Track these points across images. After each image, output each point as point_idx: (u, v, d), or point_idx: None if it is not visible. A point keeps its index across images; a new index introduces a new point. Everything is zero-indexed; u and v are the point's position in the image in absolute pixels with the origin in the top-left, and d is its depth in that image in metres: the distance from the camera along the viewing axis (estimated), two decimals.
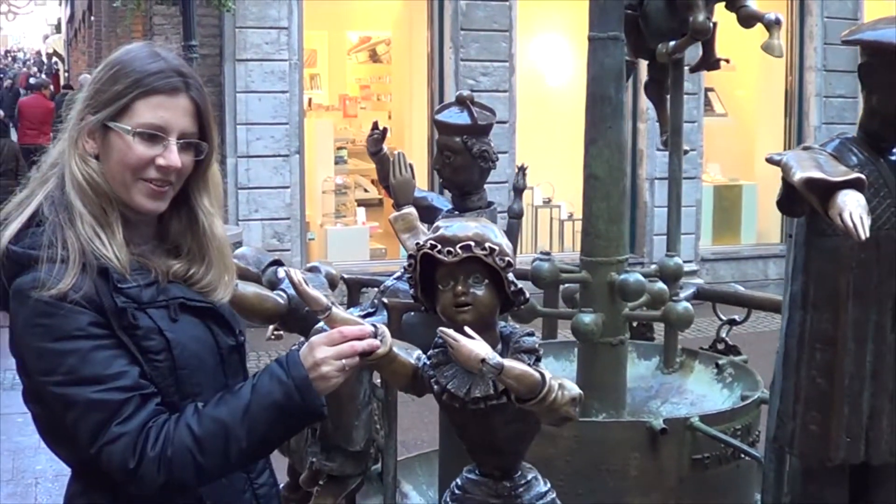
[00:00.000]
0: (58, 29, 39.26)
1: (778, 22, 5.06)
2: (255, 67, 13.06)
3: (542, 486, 3.09)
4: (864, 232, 3.07)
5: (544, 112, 14.65)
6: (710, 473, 4.61)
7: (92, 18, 23.06)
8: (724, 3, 5.34)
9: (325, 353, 2.56)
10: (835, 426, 3.67)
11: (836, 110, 15.34)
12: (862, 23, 12.85)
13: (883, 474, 3.85)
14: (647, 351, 5.65)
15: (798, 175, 3.21)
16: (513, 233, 4.70)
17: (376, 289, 4.76)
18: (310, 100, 16.55)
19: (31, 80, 29.02)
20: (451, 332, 2.66)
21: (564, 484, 4.46)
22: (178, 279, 2.68)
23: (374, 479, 4.91)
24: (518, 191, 4.75)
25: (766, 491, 4.08)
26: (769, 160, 3.46)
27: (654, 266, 5.49)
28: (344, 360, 2.57)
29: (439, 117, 4.71)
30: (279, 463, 4.98)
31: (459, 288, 2.82)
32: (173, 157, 2.61)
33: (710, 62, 5.68)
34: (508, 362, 2.64)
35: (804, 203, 3.38)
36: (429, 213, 4.72)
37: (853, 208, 3.08)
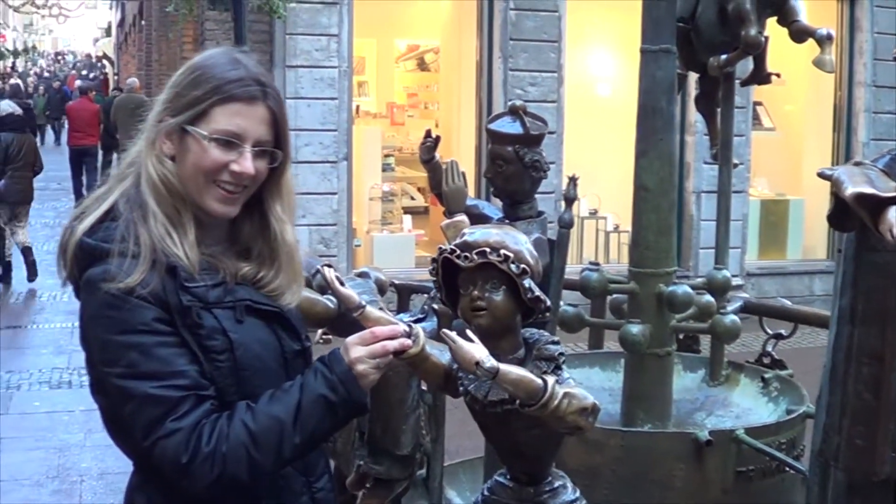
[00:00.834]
0: (108, 32, 39.60)
1: (830, 37, 5.08)
2: (305, 74, 13.11)
3: (571, 494, 3.10)
4: None
5: (592, 123, 14.64)
6: (755, 486, 4.65)
7: (143, 23, 23.29)
8: (775, 18, 5.35)
9: (358, 352, 2.61)
10: (881, 441, 3.67)
11: (885, 126, 15.25)
12: None
13: None
14: (693, 363, 5.67)
15: (850, 190, 3.23)
16: (563, 243, 4.72)
17: (426, 295, 4.80)
18: (357, 107, 16.62)
19: (78, 83, 29.37)
20: (450, 333, 2.68)
21: (609, 493, 4.52)
22: (247, 281, 2.72)
23: (418, 483, 4.94)
24: (569, 201, 4.78)
25: None
26: (821, 175, 3.47)
27: (701, 279, 5.51)
28: (378, 360, 2.62)
29: (492, 126, 4.75)
30: None
31: (476, 293, 2.86)
32: (247, 163, 2.66)
33: (761, 76, 5.71)
34: (505, 367, 2.66)
35: (855, 218, 3.39)
36: (479, 222, 4.73)
37: None
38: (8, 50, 46.19)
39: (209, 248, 2.68)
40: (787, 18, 5.24)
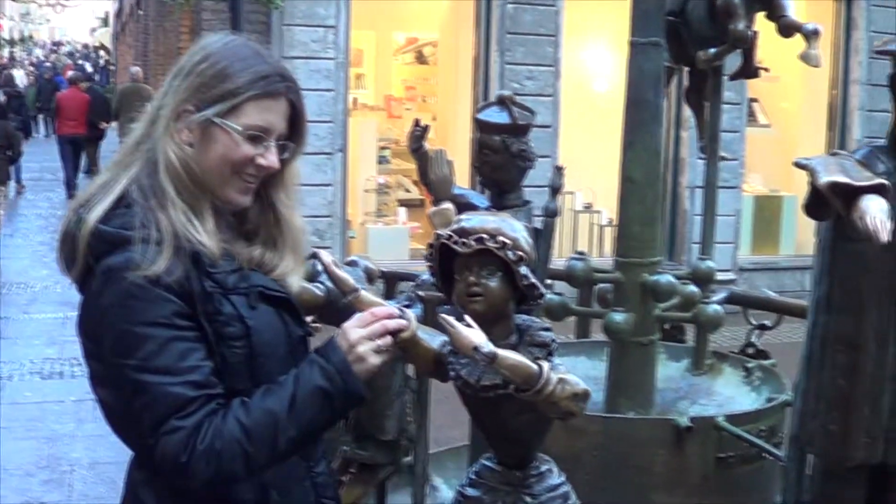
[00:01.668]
0: (105, 22, 39.66)
1: (816, 32, 5.12)
2: (302, 65, 13.12)
3: (556, 478, 3.13)
4: (884, 235, 3.15)
5: (588, 117, 14.70)
6: (735, 472, 4.70)
7: (140, 13, 23.34)
8: (764, 13, 5.41)
9: (357, 334, 2.62)
10: (855, 427, 3.74)
11: (879, 124, 15.27)
12: None
13: None
14: (678, 353, 5.73)
15: (824, 179, 3.30)
16: (548, 231, 4.78)
17: (412, 283, 4.86)
18: (355, 99, 16.67)
19: (70, 74, 29.46)
20: (449, 318, 2.71)
21: (591, 478, 4.56)
22: (255, 265, 2.76)
23: (405, 470, 5.00)
24: (554, 190, 4.84)
25: (787, 490, 4.14)
26: (797, 164, 3.54)
27: (686, 269, 5.57)
28: (378, 341, 2.64)
29: (480, 116, 4.81)
30: None
31: (472, 279, 2.88)
32: (273, 158, 2.71)
33: (749, 71, 5.75)
34: (503, 352, 2.69)
35: (830, 208, 3.46)
36: (466, 210, 4.82)
37: (875, 212, 3.17)
38: (4, 39, 46.17)
39: (223, 235, 2.70)
40: (776, 13, 5.29)
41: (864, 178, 3.31)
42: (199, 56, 2.73)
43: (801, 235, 15.89)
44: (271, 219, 2.84)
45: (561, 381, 2.72)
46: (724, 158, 5.91)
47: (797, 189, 15.57)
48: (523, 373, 2.70)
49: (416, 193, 16.21)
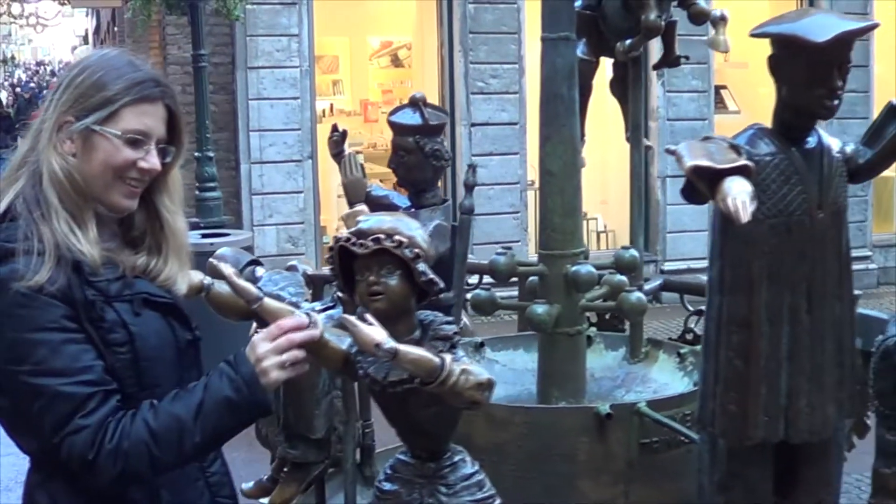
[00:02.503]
0: (85, 40, 39.66)
1: (723, 18, 5.21)
2: (267, 75, 13.20)
3: (470, 467, 3.22)
4: (745, 216, 3.22)
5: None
6: (660, 457, 4.75)
7: (115, 29, 23.35)
8: (676, 2, 5.49)
9: (264, 348, 2.69)
10: (752, 406, 3.82)
11: (847, 105, 14.95)
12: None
13: (810, 453, 4.00)
14: (615, 342, 5.81)
15: (688, 163, 3.37)
16: (464, 228, 4.87)
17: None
18: (331, 105, 16.73)
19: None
20: (350, 318, 2.80)
21: (516, 468, 4.65)
22: (139, 272, 2.84)
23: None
24: (468, 187, 4.93)
25: (702, 471, 4.21)
26: (667, 150, 3.61)
27: (609, 259, 5.64)
28: (284, 356, 2.70)
29: (392, 118, 4.92)
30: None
31: (372, 278, 2.99)
32: (154, 160, 2.80)
33: (670, 60, 5.85)
34: (404, 347, 2.78)
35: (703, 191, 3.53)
36: (391, 211, 4.91)
37: (736, 193, 3.24)
38: None
39: (106, 243, 2.78)
40: (687, 1, 5.38)
41: (728, 161, 3.38)
42: (77, 69, 2.84)
43: None
44: (157, 225, 2.92)
45: (464, 371, 2.83)
46: (647, 148, 5.96)
47: None
48: (426, 366, 2.80)
49: None
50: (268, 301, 2.93)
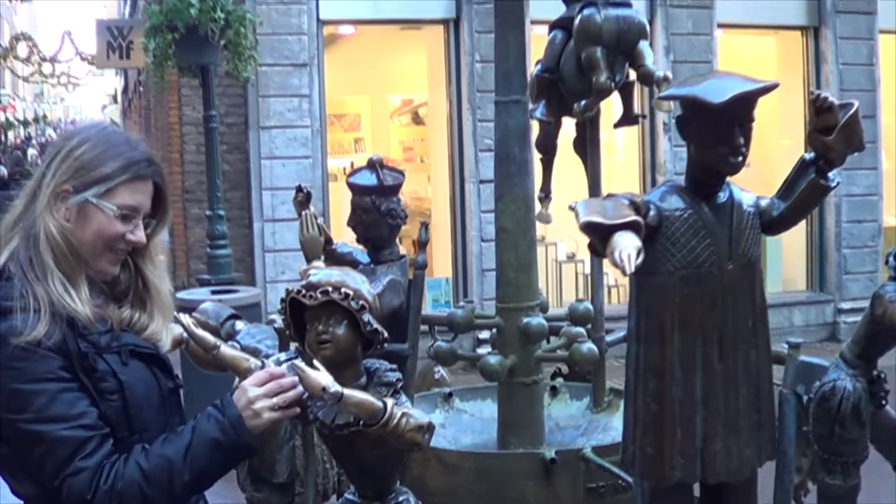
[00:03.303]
0: (115, 99, 40.29)
1: (666, 79, 5.41)
2: (279, 134, 13.41)
3: None
4: (629, 268, 3.44)
5: (562, 166, 14.88)
6: (606, 502, 4.93)
7: (141, 89, 23.85)
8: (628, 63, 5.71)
9: (255, 392, 2.93)
10: (668, 448, 4.01)
11: (854, 156, 15.36)
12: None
13: (734, 490, 4.20)
14: (579, 392, 6.02)
15: (581, 219, 3.61)
16: (418, 283, 5.11)
17: None
18: (352, 163, 16.94)
19: None
20: (299, 364, 3.05)
21: None
22: (125, 326, 3.07)
23: None
24: (421, 244, 5.17)
25: None
26: (569, 207, 3.83)
27: (563, 311, 5.86)
28: (274, 399, 2.93)
29: (350, 179, 5.18)
30: None
31: (321, 327, 3.25)
32: (141, 234, 3.06)
33: (630, 118, 6.07)
34: (349, 391, 3.02)
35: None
36: (352, 267, 5.16)
37: (622, 248, 3.46)
38: (18, 120, 46.88)
39: (95, 300, 3.01)
40: (636, 62, 5.59)
41: (620, 217, 3.61)
42: (76, 140, 3.07)
43: (788, 272, 16.02)
44: (140, 283, 3.16)
45: (404, 415, 3.08)
46: None
47: None
48: (369, 409, 3.05)
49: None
50: (224, 349, 3.26)
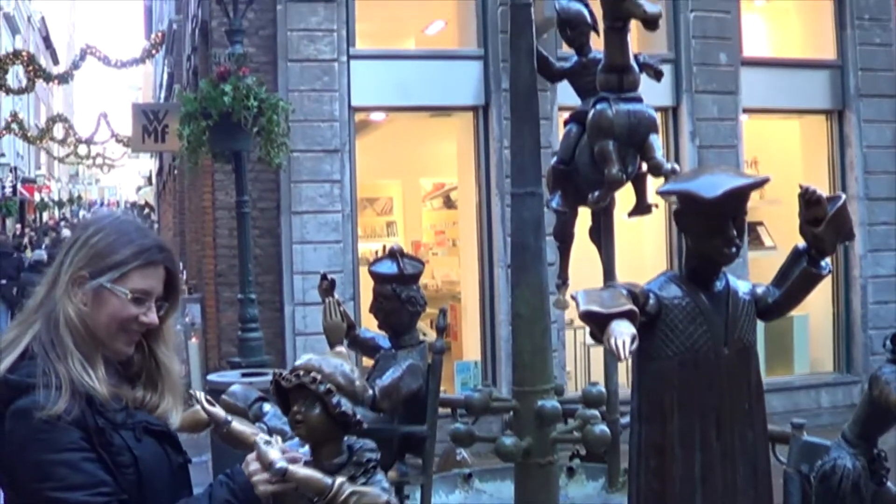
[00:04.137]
0: (150, 181, 40.91)
1: (674, 171, 5.64)
2: (310, 219, 13.67)
3: None
4: (624, 354, 3.66)
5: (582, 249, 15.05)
6: None
7: (175, 172, 24.30)
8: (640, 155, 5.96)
9: (254, 466, 3.18)
10: None
11: (880, 237, 15.55)
12: None
13: None
14: (595, 472, 6.20)
15: (581, 308, 3.84)
16: (436, 367, 5.34)
17: None
18: (384, 247, 17.13)
19: None
20: (259, 439, 3.28)
21: None
22: (138, 405, 3.33)
23: None
24: (440, 330, 5.40)
25: None
26: (572, 297, 4.07)
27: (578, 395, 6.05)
28: (265, 474, 3.16)
29: (372, 268, 5.43)
30: None
31: (295, 408, 3.43)
32: (153, 316, 3.33)
33: (643, 208, 6.31)
34: (294, 467, 3.20)
35: None
36: (375, 352, 5.42)
37: (618, 335, 3.69)
38: (53, 201, 47.48)
39: (111, 380, 3.27)
40: (646, 155, 5.83)
41: (617, 306, 3.83)
42: (92, 230, 3.36)
43: (815, 353, 16.09)
44: (152, 364, 3.43)
45: (355, 493, 3.25)
46: None
47: (808, 308, 15.78)
48: (315, 485, 3.23)
49: (431, 337, 16.43)
50: (234, 425, 3.52)
